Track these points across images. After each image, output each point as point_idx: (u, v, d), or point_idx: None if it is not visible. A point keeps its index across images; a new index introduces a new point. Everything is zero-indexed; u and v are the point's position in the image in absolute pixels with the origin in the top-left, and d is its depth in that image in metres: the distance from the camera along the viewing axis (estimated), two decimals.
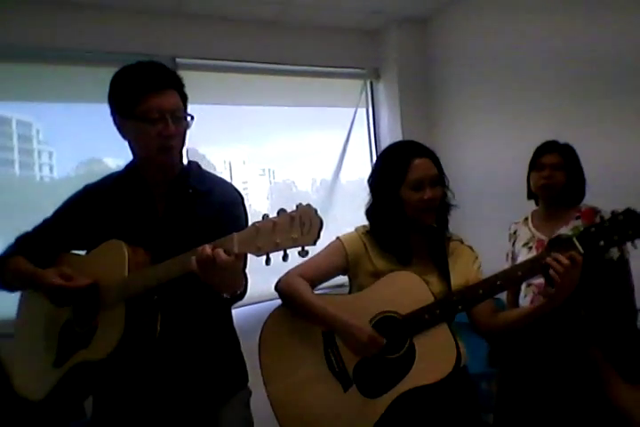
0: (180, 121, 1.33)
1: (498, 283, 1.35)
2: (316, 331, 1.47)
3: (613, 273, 1.67)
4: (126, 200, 1.39)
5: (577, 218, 1.99)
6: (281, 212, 1.09)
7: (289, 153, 3.45)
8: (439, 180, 1.47)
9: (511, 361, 1.90)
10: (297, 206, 1.08)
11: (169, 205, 1.38)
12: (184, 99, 1.36)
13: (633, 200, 1.39)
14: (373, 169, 1.57)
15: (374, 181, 1.54)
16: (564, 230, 1.99)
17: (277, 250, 1.07)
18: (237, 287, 1.29)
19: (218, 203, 1.39)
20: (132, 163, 1.44)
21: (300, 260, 1.33)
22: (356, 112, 3.62)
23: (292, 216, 1.06)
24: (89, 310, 1.31)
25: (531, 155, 2.10)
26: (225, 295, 1.25)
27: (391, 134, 3.57)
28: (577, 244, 1.28)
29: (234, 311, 1.49)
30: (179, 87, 1.35)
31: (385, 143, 3.62)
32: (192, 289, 1.28)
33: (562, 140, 2.08)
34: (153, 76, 1.31)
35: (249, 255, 1.17)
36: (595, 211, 1.97)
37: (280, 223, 1.07)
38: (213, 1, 2.95)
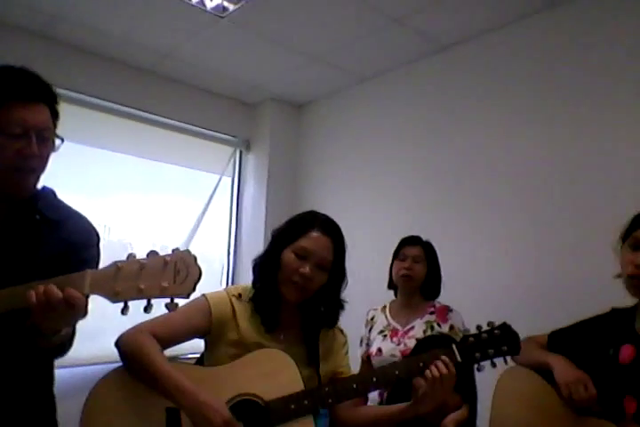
0: (47, 142, 1.14)
1: (374, 380, 1.30)
2: (159, 406, 1.21)
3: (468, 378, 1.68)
4: None
5: (431, 313, 2.07)
6: (152, 254, 0.95)
7: (132, 211, 3.09)
8: (328, 266, 1.35)
9: None
10: (173, 250, 0.96)
11: (6, 230, 1.16)
12: (55, 117, 1.18)
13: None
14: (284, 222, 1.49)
15: (274, 231, 1.45)
16: (418, 323, 2.06)
17: (139, 298, 0.93)
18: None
19: (68, 241, 1.20)
20: None
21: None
22: (220, 179, 3.49)
23: (165, 260, 0.93)
24: None
25: (392, 242, 2.19)
26: (48, 341, 1.04)
27: (254, 207, 3.46)
28: (456, 352, 1.28)
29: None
30: (51, 103, 1.16)
31: (246, 216, 3.52)
32: (8, 332, 1.09)
33: (419, 227, 2.23)
34: (22, 84, 1.10)
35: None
36: (448, 309, 2.07)
37: (149, 266, 0.93)
38: (89, 34, 2.76)
